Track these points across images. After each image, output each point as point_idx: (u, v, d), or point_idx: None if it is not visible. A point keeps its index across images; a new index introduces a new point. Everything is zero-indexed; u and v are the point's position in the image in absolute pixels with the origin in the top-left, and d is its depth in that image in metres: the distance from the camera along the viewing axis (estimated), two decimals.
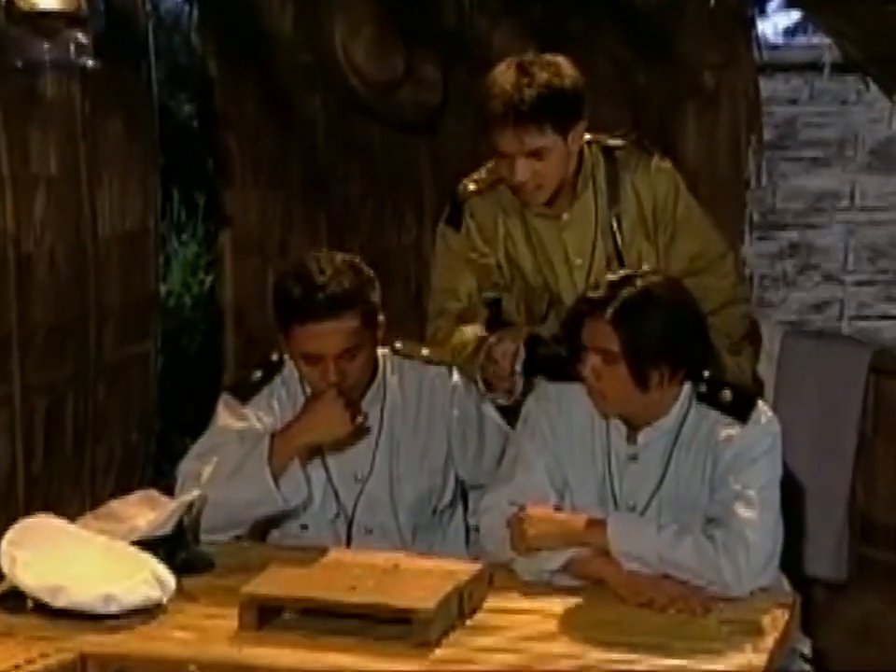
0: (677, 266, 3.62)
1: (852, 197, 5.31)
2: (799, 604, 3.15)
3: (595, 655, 2.81)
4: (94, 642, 2.86)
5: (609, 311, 3.12)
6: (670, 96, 5.09)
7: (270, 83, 5.01)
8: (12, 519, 3.18)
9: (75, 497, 4.40)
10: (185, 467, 3.46)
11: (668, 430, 3.24)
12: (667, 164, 3.71)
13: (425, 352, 3.62)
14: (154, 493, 3.38)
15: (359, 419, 3.37)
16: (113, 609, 2.93)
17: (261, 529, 3.55)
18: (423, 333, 3.80)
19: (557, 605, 3.04)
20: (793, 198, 5.31)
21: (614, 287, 3.16)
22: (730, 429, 3.19)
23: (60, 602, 2.93)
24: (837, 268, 5.34)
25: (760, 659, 2.82)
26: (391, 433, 3.55)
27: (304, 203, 5.13)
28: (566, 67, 3.50)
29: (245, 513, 3.39)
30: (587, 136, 3.61)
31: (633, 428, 3.26)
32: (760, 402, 3.28)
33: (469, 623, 2.96)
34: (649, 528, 3.12)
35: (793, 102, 5.29)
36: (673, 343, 3.16)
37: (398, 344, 3.60)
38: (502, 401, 3.55)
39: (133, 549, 3.12)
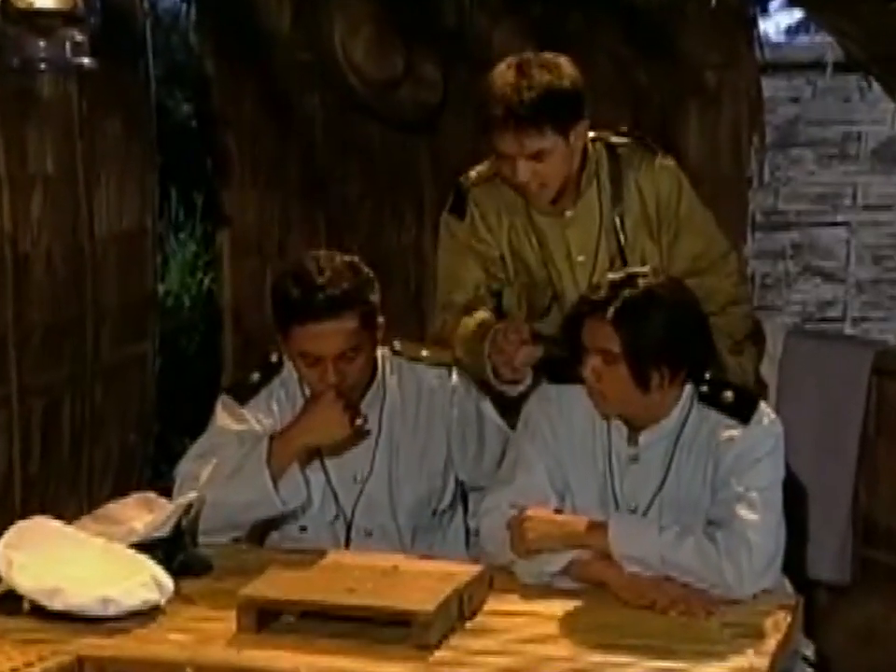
0: (680, 265, 3.61)
1: (854, 196, 5.30)
2: (801, 606, 3.14)
3: (596, 658, 2.80)
4: (92, 645, 2.85)
5: (611, 311, 3.10)
6: (672, 95, 5.08)
7: (268, 82, 5.00)
8: (9, 521, 3.17)
9: (72, 499, 4.39)
10: (183, 468, 3.45)
11: (670, 431, 3.22)
12: (671, 162, 3.69)
13: (424, 352, 3.61)
14: (151, 495, 3.38)
15: (359, 421, 3.36)
16: (111, 611, 2.92)
17: (260, 531, 3.53)
18: (423, 333, 3.78)
19: (558, 607, 3.02)
20: (795, 197, 5.30)
21: (615, 287, 3.14)
22: (732, 430, 3.18)
23: (57, 605, 2.92)
24: (839, 268, 5.33)
25: (762, 662, 2.80)
26: (390, 434, 3.53)
27: (303, 203, 5.12)
28: (565, 67, 3.47)
29: (243, 515, 3.38)
30: (591, 133, 3.59)
31: (634, 430, 3.24)
32: (762, 403, 3.26)
33: (468, 625, 2.95)
34: (650, 530, 3.11)
35: (795, 101, 5.29)
36: (674, 343, 3.14)
37: (397, 345, 3.58)
38: (510, 393, 3.51)
39: (131, 551, 3.11)
